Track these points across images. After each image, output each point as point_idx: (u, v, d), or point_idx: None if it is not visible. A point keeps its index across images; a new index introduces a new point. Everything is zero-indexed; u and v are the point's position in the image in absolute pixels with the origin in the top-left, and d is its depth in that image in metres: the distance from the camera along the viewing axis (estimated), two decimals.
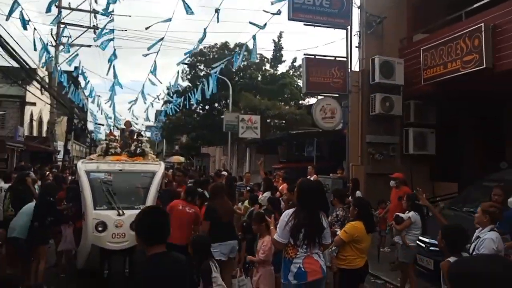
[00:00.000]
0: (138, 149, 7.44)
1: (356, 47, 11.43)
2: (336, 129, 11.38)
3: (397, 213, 5.76)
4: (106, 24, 7.21)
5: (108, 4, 6.92)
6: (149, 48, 9.33)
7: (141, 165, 7.11)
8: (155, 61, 11.27)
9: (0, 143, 15.56)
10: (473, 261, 1.41)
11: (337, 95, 11.01)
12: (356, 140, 10.96)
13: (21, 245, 5.81)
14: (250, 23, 8.41)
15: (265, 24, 8.56)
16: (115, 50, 9.77)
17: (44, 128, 25.92)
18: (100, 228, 5.74)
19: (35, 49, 10.63)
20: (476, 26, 8.62)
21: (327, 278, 4.06)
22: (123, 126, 8.88)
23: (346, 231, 4.39)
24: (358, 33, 11.43)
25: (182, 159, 33.43)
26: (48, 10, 8.93)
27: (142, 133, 11.51)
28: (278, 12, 8.10)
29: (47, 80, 21.15)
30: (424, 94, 10.42)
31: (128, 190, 6.47)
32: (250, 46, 9.94)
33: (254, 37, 9.53)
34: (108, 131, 9.77)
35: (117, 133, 9.16)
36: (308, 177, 9.37)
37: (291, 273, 3.67)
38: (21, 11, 8.90)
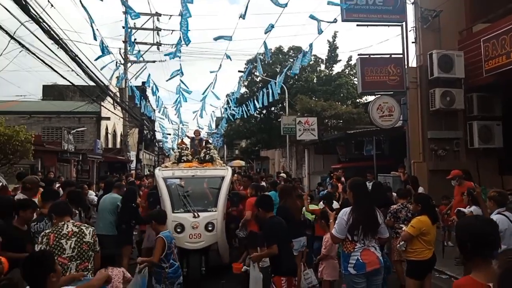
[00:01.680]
0: (207, 155, 7.93)
1: (412, 42, 11.33)
2: (395, 126, 11.34)
3: (459, 208, 5.80)
4: (177, 45, 7.84)
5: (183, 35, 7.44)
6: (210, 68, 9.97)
7: (211, 170, 7.56)
8: (216, 75, 11.95)
9: (83, 156, 17.36)
10: None
11: (392, 92, 10.97)
12: (417, 136, 10.84)
13: (108, 242, 5.87)
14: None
15: (321, 31, 8.84)
16: (181, 67, 10.43)
17: (118, 140, 28.21)
18: (178, 230, 6.23)
19: (102, 68, 11.77)
20: None
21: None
22: (192, 135, 9.51)
23: (413, 226, 4.64)
24: (414, 28, 11.31)
25: (242, 163, 34.45)
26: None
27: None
28: (334, 21, 8.36)
29: (118, 95, 23.11)
30: (487, 85, 10.07)
31: (200, 194, 6.95)
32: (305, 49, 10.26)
33: (310, 45, 9.79)
34: (179, 140, 10.65)
35: (187, 141, 9.81)
36: (367, 182, 9.50)
37: (350, 265, 3.99)
38: (101, 40, 10.06)
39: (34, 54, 9.64)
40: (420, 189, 8.37)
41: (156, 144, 36.93)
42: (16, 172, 10.90)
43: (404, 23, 10.99)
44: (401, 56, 10.98)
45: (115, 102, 22.75)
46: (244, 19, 8.00)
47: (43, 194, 4.93)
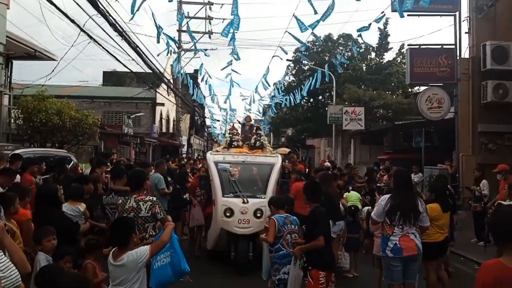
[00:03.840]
0: (258, 142, 7.87)
1: (465, 33, 11.09)
2: (445, 118, 11.21)
3: (499, 201, 5.89)
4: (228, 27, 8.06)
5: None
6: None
7: (261, 157, 7.53)
8: (268, 67, 12.30)
9: (140, 139, 18.66)
10: None
11: (441, 84, 10.83)
12: (467, 129, 10.68)
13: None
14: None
15: (369, 24, 8.91)
16: (233, 51, 10.46)
17: (171, 125, 29.64)
18: (228, 214, 6.25)
19: (158, 54, 12.41)
20: None
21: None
22: (243, 121, 9.65)
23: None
24: (468, 18, 11.02)
25: (287, 150, 34.71)
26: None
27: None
28: (383, 14, 8.41)
29: (172, 82, 24.28)
30: None
31: (250, 180, 6.94)
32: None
33: (360, 35, 9.74)
34: (228, 126, 10.99)
35: (238, 127, 9.97)
36: (413, 174, 9.60)
37: (388, 248, 4.30)
38: (159, 27, 10.71)
39: (101, 46, 10.64)
40: (484, 182, 8.24)
41: (206, 129, 38.26)
42: (83, 152, 12.15)
43: (457, 13, 10.76)
44: (453, 47, 10.79)
45: (169, 89, 23.97)
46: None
47: (113, 172, 5.67)
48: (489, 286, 2.13)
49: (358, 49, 25.53)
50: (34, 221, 3.90)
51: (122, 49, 12.33)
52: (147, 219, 4.00)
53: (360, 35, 9.67)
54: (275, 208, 4.72)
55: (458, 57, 10.77)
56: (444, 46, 11.01)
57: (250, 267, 6.09)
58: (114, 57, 11.99)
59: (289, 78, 27.86)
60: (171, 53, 18.84)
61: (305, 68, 28.06)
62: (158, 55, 14.25)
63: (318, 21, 7.75)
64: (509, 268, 2.13)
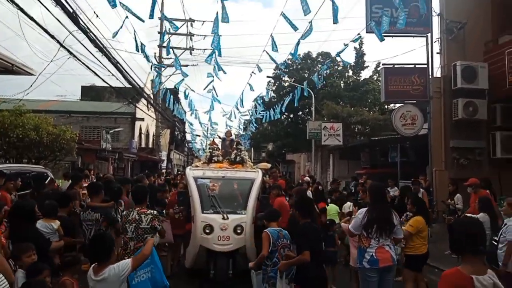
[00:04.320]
0: (238, 157, 7.78)
1: (437, 53, 11.60)
2: (419, 134, 11.60)
3: (466, 214, 6.14)
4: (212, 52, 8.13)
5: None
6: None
7: (241, 172, 7.40)
8: (249, 84, 12.40)
9: (119, 155, 18.44)
10: None
11: (415, 101, 11.25)
12: (439, 145, 11.08)
13: None
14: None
15: (347, 45, 9.25)
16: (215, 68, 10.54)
17: (150, 140, 29.43)
18: (207, 231, 6.06)
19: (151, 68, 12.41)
20: None
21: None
22: (223, 135, 9.51)
23: (412, 225, 5.20)
24: (439, 39, 11.56)
25: (268, 165, 34.84)
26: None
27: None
28: (358, 35, 8.73)
29: (152, 97, 24.22)
30: (511, 97, 10.20)
31: (230, 196, 6.78)
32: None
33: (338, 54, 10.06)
34: (209, 141, 10.81)
35: (218, 141, 9.87)
36: (389, 188, 9.93)
37: (365, 260, 4.43)
38: (143, 44, 10.73)
39: (81, 61, 10.61)
40: (458, 196, 8.57)
41: (186, 144, 38.12)
42: (60, 167, 11.95)
43: (429, 35, 11.28)
44: (426, 66, 11.27)
45: (149, 104, 23.91)
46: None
47: (90, 189, 5.63)
48: None
49: (335, 66, 26.29)
50: (9, 237, 3.87)
51: (102, 64, 12.33)
52: (146, 231, 4.37)
53: (338, 55, 9.99)
54: (267, 221, 4.66)
55: (430, 76, 11.24)
56: (417, 66, 11.49)
57: (230, 285, 5.96)
58: (94, 72, 11.97)
59: (270, 94, 28.26)
60: (151, 69, 18.83)
61: (285, 85, 28.53)
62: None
63: (298, 44, 7.99)
64: (466, 277, 2.30)
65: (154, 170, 21.97)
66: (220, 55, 7.60)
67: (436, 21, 11.62)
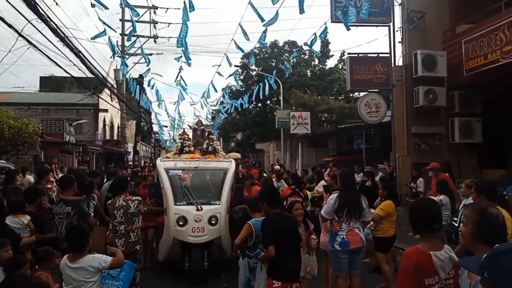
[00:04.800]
0: (210, 147, 7.64)
1: (399, 42, 11.98)
2: (383, 121, 12.03)
3: (430, 196, 6.51)
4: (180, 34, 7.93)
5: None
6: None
7: (214, 162, 7.29)
8: (217, 72, 12.36)
9: (83, 148, 17.91)
10: None
11: (378, 90, 11.63)
12: (402, 131, 11.52)
13: None
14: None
15: (315, 35, 9.42)
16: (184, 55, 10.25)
17: (115, 131, 28.71)
18: (181, 223, 5.97)
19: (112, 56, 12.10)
20: None
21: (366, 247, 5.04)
22: (194, 125, 9.34)
23: (383, 209, 5.51)
24: (400, 29, 11.94)
25: (238, 155, 34.90)
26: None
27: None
28: (325, 25, 8.90)
29: (115, 87, 23.57)
30: (468, 84, 10.74)
31: (204, 186, 6.72)
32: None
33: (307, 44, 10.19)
34: (179, 131, 10.50)
35: (188, 131, 9.61)
36: (355, 174, 10.28)
37: (336, 242, 4.70)
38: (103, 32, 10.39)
39: (41, 51, 10.19)
40: (420, 180, 8.98)
41: (153, 136, 37.47)
42: (23, 162, 11.49)
43: (391, 24, 11.64)
44: (388, 55, 11.64)
45: (113, 94, 23.27)
46: None
47: (62, 182, 5.52)
48: (411, 271, 2.47)
49: (301, 55, 26.56)
50: None
51: (63, 54, 11.89)
52: (134, 214, 5.00)
53: (307, 44, 10.15)
54: (251, 211, 4.48)
55: (392, 65, 11.62)
56: (380, 55, 11.84)
57: (205, 277, 5.98)
58: (55, 62, 11.53)
59: (238, 84, 28.24)
60: (113, 57, 18.31)
61: (253, 74, 28.58)
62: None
63: (265, 32, 8.05)
64: (425, 253, 2.51)
65: (120, 162, 21.54)
66: (186, 47, 7.51)
67: (398, 10, 12.01)
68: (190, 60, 9.43)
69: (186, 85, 12.04)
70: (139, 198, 5.22)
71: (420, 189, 8.60)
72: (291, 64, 25.01)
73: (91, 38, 9.73)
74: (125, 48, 23.32)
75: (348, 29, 8.67)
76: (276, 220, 3.91)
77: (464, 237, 2.20)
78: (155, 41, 23.96)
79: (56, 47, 10.94)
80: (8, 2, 8.36)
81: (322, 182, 8.20)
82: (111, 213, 5.00)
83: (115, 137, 27.99)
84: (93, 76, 16.09)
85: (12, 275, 2.98)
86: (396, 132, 11.41)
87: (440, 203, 6.32)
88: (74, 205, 4.83)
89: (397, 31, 11.88)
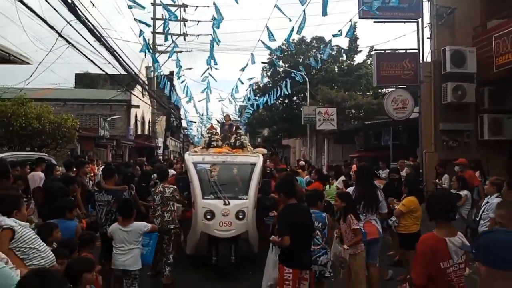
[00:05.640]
0: (238, 141, 7.67)
1: (427, 38, 11.87)
2: (410, 118, 11.99)
3: (456, 191, 6.58)
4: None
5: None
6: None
7: (242, 157, 7.27)
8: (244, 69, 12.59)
9: (117, 142, 18.70)
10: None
11: (405, 86, 11.60)
12: (429, 128, 11.44)
13: None
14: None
15: (340, 32, 9.52)
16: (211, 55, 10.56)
17: (146, 127, 29.63)
18: (208, 217, 6.02)
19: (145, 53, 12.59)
20: None
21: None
22: (222, 120, 9.44)
23: (404, 204, 5.58)
24: (429, 24, 11.82)
25: (264, 151, 35.21)
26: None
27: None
28: (350, 21, 9.00)
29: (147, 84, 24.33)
30: (498, 80, 10.53)
31: (231, 181, 6.70)
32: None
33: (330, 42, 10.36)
34: (207, 127, 10.64)
35: (216, 126, 9.85)
36: (381, 170, 10.44)
37: None
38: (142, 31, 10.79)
39: (79, 50, 10.79)
40: (445, 176, 8.97)
41: (182, 131, 38.37)
42: (63, 155, 12.24)
43: (419, 20, 11.55)
44: (416, 51, 11.57)
45: (144, 90, 24.06)
46: None
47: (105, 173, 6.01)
48: (427, 254, 2.70)
49: (330, 51, 26.41)
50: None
51: (99, 52, 12.49)
52: (169, 198, 5.89)
53: (330, 41, 10.32)
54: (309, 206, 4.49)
55: (420, 61, 11.54)
56: (408, 51, 11.79)
57: (232, 271, 5.98)
58: (91, 61, 12.15)
59: (264, 80, 28.45)
60: (145, 55, 18.92)
61: (280, 70, 28.70)
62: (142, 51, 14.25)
63: (291, 32, 8.25)
64: (440, 238, 2.73)
65: (151, 156, 22.29)
66: (218, 43, 7.82)
67: (426, 6, 11.88)
68: (216, 63, 9.79)
69: (215, 80, 12.30)
70: (174, 186, 6.11)
71: (445, 185, 8.61)
72: (324, 58, 24.92)
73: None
74: (156, 45, 24.08)
75: (376, 19, 8.62)
76: (293, 211, 4.03)
77: None
78: (184, 39, 24.55)
79: (93, 46, 11.53)
80: (49, 4, 8.95)
81: (342, 178, 8.35)
82: (152, 197, 6.02)
83: (146, 132, 28.90)
84: (125, 73, 16.73)
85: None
86: (423, 128, 11.35)
87: (465, 198, 6.40)
88: (114, 194, 5.26)
89: (425, 27, 11.79)
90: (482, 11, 11.63)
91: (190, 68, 31.44)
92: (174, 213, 5.99)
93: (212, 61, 9.41)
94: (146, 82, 23.93)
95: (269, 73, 28.97)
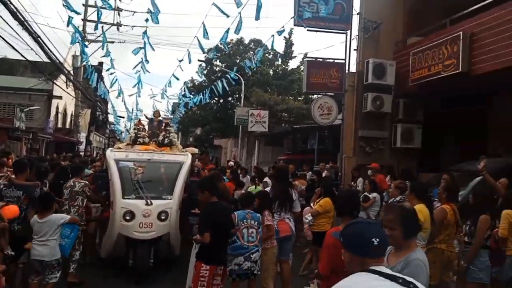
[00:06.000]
0: (166, 139, 7.36)
1: (354, 50, 12.62)
2: (334, 124, 12.67)
3: (365, 194, 7.09)
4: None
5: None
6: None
7: (169, 155, 6.99)
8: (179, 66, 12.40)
9: (33, 135, 17.29)
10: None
11: (332, 94, 12.25)
12: (350, 134, 12.18)
13: None
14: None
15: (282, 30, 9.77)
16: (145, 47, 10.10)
17: (68, 120, 27.76)
18: (127, 217, 5.71)
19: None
20: (456, 34, 9.68)
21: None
22: (151, 116, 8.92)
23: (321, 205, 5.87)
24: (357, 37, 12.58)
25: (196, 150, 34.85)
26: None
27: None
28: (282, 29, 9.30)
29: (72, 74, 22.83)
30: (412, 93, 11.56)
31: (156, 180, 6.40)
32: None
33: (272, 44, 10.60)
34: (135, 121, 10.08)
35: (145, 122, 9.27)
36: (304, 172, 11.01)
37: None
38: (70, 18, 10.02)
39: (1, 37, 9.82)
40: (360, 180, 9.60)
41: (108, 126, 36.54)
42: None
43: (348, 32, 12.24)
44: (343, 61, 12.25)
45: (69, 81, 22.53)
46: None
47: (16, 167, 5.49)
48: (331, 248, 2.89)
49: (266, 54, 26.99)
50: None
51: (20, 37, 11.53)
52: (78, 193, 5.81)
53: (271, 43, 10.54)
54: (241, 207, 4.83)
55: (346, 71, 12.25)
56: (336, 61, 12.44)
57: (150, 273, 5.79)
58: (11, 45, 11.17)
59: (201, 78, 28.20)
60: (72, 43, 17.75)
61: (216, 69, 28.65)
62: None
63: (226, 32, 8.28)
64: None
65: (71, 152, 20.89)
66: (157, 22, 7.48)
67: (356, 19, 12.63)
68: (153, 49, 9.45)
69: (148, 71, 11.80)
70: (86, 182, 6.07)
71: (358, 188, 9.24)
72: (258, 59, 25.27)
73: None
74: (86, 33, 22.70)
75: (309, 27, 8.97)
76: (215, 210, 4.15)
77: None
78: (118, 29, 23.47)
79: (14, 30, 10.61)
80: None
81: (266, 179, 8.57)
82: (62, 192, 5.86)
83: (68, 126, 27.09)
84: (49, 61, 15.60)
85: None
86: (345, 134, 12.04)
87: (373, 200, 6.92)
88: (25, 190, 4.90)
89: (353, 39, 12.52)
90: (404, 27, 12.63)
91: (114, 72, 29.88)
92: (82, 209, 5.89)
93: (142, 56, 9.06)
94: (72, 72, 22.47)
95: (205, 72, 28.79)
